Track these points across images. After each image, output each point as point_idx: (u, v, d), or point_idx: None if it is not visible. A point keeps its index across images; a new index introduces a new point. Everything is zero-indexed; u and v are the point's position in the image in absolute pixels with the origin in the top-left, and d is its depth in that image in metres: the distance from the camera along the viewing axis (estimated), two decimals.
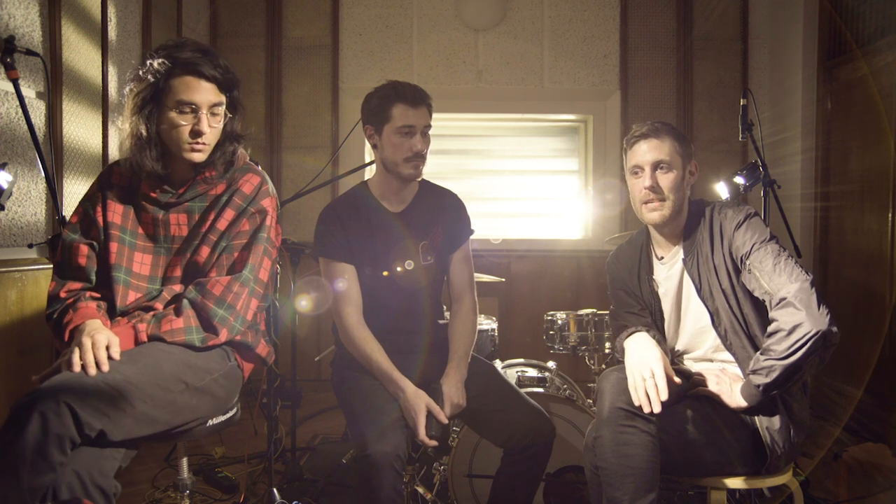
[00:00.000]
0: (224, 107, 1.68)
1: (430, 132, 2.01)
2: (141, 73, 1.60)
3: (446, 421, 1.84)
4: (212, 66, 1.61)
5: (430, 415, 1.82)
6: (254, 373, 1.91)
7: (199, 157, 1.65)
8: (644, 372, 1.64)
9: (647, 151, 1.81)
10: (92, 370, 1.40)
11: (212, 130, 1.65)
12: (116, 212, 1.66)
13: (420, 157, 1.97)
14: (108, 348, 1.45)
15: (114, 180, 1.70)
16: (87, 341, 1.44)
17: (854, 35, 3.54)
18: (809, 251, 3.86)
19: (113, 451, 1.42)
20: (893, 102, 3.18)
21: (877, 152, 3.33)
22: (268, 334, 1.87)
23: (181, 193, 1.69)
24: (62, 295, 1.61)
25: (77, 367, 1.40)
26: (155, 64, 1.58)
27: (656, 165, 1.80)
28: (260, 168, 1.85)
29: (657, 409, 1.59)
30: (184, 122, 1.61)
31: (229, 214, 1.70)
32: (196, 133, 1.62)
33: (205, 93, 1.61)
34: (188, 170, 1.70)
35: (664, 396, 1.60)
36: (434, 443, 1.81)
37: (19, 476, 1.24)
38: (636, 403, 1.61)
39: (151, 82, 1.58)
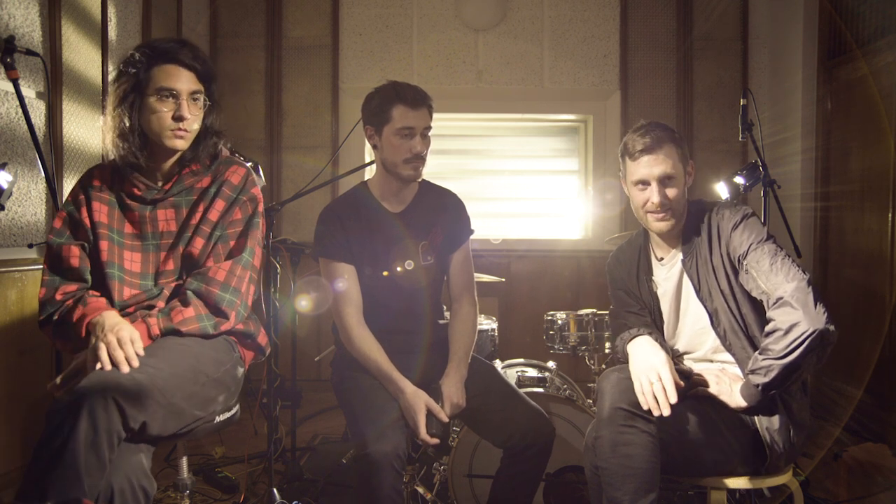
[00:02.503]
0: (203, 95, 1.69)
1: (431, 132, 2.01)
2: (122, 67, 1.63)
3: (447, 420, 1.84)
4: (191, 56, 1.65)
5: (430, 414, 1.82)
6: (254, 372, 1.91)
7: (181, 143, 1.66)
8: (651, 376, 1.63)
9: (653, 166, 1.77)
10: (125, 367, 1.40)
11: (193, 118, 1.66)
12: (102, 211, 1.67)
13: (419, 159, 1.97)
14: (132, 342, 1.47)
15: (95, 182, 1.70)
16: (112, 338, 1.44)
17: (854, 35, 3.53)
18: (809, 251, 3.86)
19: (147, 451, 1.45)
20: (893, 102, 3.17)
21: (877, 152, 3.33)
22: (266, 329, 1.88)
23: (167, 189, 1.69)
24: (58, 297, 1.61)
25: (108, 365, 1.41)
26: (136, 56, 1.62)
27: (663, 179, 1.78)
28: (250, 164, 1.86)
29: (666, 412, 1.59)
30: (165, 109, 1.63)
31: (220, 205, 1.71)
32: (178, 118, 1.63)
33: (184, 80, 1.64)
34: (173, 164, 1.71)
35: (673, 400, 1.60)
36: (435, 441, 1.81)
37: (78, 474, 1.25)
38: (644, 407, 1.61)
39: (132, 73, 1.61)
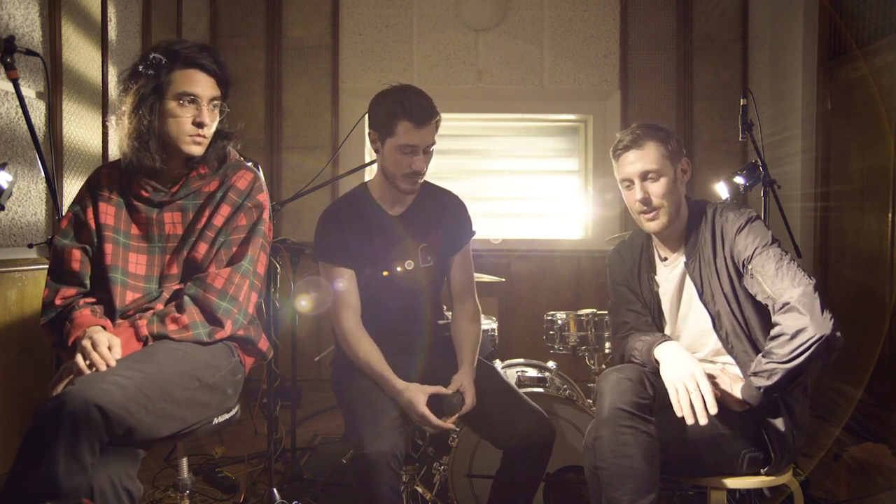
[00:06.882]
0: (221, 101, 1.70)
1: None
2: (141, 68, 1.61)
3: (450, 392, 1.84)
4: (213, 61, 1.65)
5: (433, 400, 1.81)
6: (254, 372, 1.91)
7: (198, 150, 1.66)
8: (689, 384, 1.60)
9: (632, 163, 1.78)
10: (102, 367, 1.41)
11: (211, 124, 1.67)
12: (108, 213, 1.66)
13: (418, 175, 1.95)
14: (109, 349, 1.46)
15: (103, 182, 1.70)
16: (87, 343, 1.46)
17: (854, 35, 3.53)
18: (809, 251, 3.86)
19: (134, 454, 1.44)
20: (893, 102, 3.17)
21: (877, 152, 3.33)
22: (267, 329, 1.87)
23: (174, 192, 1.69)
24: (57, 302, 1.61)
25: (86, 371, 1.42)
26: (155, 58, 1.60)
27: (644, 176, 1.77)
28: (251, 164, 1.85)
29: (703, 421, 1.57)
30: (185, 115, 1.62)
31: (225, 210, 1.70)
32: (199, 124, 1.63)
33: (205, 85, 1.64)
34: (181, 167, 1.70)
35: (713, 410, 1.57)
36: (450, 426, 1.81)
37: (56, 480, 1.26)
38: (679, 415, 1.59)
39: (152, 76, 1.60)
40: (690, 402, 1.59)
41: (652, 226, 1.81)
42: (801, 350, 1.54)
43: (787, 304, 1.59)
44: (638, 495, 1.55)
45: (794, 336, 1.55)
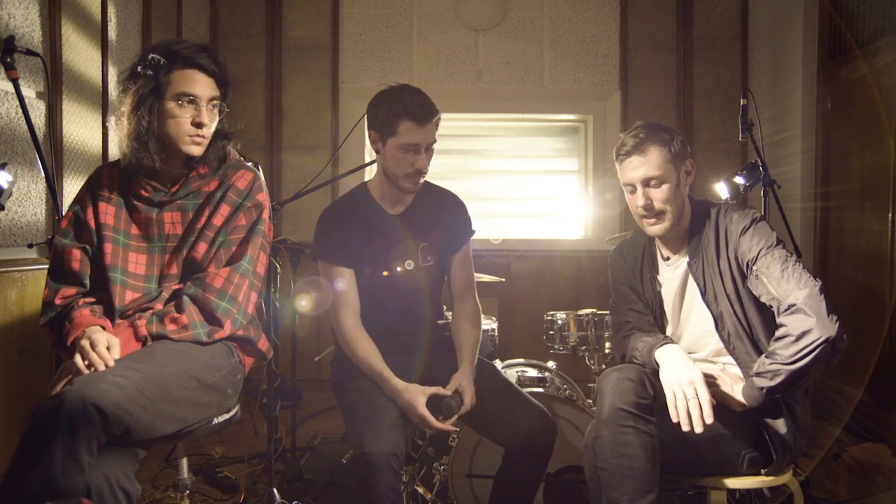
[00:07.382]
0: (220, 101, 1.70)
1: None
2: (140, 69, 1.62)
3: (449, 393, 1.84)
4: (212, 61, 1.65)
5: (433, 400, 1.81)
6: (254, 372, 1.91)
7: (197, 150, 1.66)
8: (687, 390, 1.60)
9: (635, 168, 1.76)
10: (100, 367, 1.42)
11: (211, 124, 1.67)
12: (108, 213, 1.66)
13: (420, 174, 1.96)
14: (108, 349, 1.46)
15: (103, 182, 1.70)
16: (85, 343, 1.46)
17: (854, 35, 3.53)
18: (809, 251, 3.86)
19: (133, 454, 1.44)
20: (893, 102, 3.17)
21: (877, 152, 3.33)
22: (267, 329, 1.87)
23: (174, 191, 1.69)
24: (57, 302, 1.61)
25: (85, 371, 1.42)
26: (154, 59, 1.60)
27: (647, 182, 1.77)
28: (251, 164, 1.85)
29: (699, 429, 1.57)
30: (184, 115, 1.62)
31: (225, 210, 1.70)
32: (198, 125, 1.63)
33: (204, 86, 1.64)
34: (181, 167, 1.70)
35: (709, 420, 1.57)
36: (449, 426, 1.81)
37: (54, 480, 1.26)
38: (675, 420, 1.59)
39: (151, 76, 1.60)
40: (688, 409, 1.59)
41: (655, 230, 1.80)
42: (806, 352, 1.53)
43: (794, 305, 1.58)
44: (638, 495, 1.55)
45: (799, 337, 1.54)
